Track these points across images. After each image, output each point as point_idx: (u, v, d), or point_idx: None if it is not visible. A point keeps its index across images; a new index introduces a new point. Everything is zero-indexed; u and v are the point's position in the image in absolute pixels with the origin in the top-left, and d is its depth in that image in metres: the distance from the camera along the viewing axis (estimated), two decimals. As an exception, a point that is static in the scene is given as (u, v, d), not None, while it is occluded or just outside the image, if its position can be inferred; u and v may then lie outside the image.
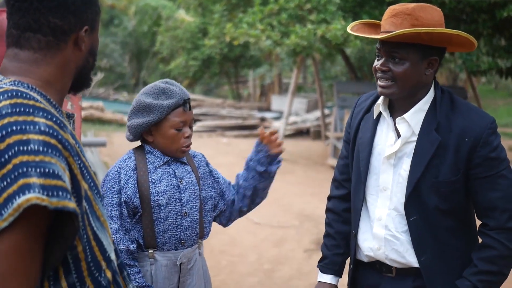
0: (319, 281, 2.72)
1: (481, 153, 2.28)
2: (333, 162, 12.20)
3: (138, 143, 2.85)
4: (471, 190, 2.34)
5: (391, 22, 2.33)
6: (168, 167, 2.77)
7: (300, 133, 17.61)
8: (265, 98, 24.81)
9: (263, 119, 18.93)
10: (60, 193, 1.37)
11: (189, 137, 2.76)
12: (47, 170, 1.37)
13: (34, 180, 1.35)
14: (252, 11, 11.22)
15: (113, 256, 1.63)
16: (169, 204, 2.71)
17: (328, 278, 2.70)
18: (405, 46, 2.31)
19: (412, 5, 2.32)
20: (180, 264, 2.73)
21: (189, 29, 22.11)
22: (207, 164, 2.95)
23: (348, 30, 2.50)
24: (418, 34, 2.25)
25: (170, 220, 2.71)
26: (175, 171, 2.77)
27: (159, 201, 2.69)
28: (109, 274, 1.60)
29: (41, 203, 1.34)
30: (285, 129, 13.55)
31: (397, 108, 2.44)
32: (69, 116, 1.69)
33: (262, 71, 23.18)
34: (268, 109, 22.09)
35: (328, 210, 2.80)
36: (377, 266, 2.51)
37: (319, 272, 2.73)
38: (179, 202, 2.73)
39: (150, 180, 2.71)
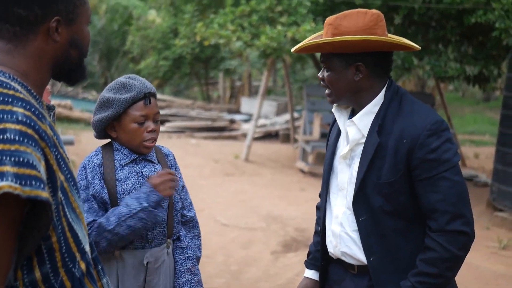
0: (304, 276, 2.79)
1: (418, 155, 2.28)
2: (301, 165, 12.24)
3: (108, 140, 2.82)
4: (416, 192, 2.35)
5: (323, 33, 2.43)
6: (135, 166, 2.74)
7: (269, 135, 17.65)
8: (235, 100, 24.81)
9: (232, 121, 18.94)
10: (34, 182, 1.38)
11: (152, 131, 2.72)
12: (21, 159, 1.38)
13: (8, 168, 1.35)
14: (223, 12, 11.21)
15: (87, 248, 1.64)
16: None
17: (310, 274, 2.77)
18: (329, 56, 2.40)
19: (339, 14, 2.39)
20: (147, 263, 2.70)
21: (160, 29, 22.03)
22: (176, 168, 2.92)
23: (292, 50, 2.54)
24: (320, 45, 2.35)
25: None
26: (143, 170, 2.74)
27: None
28: (83, 266, 1.61)
29: (14, 192, 1.34)
30: (254, 131, 13.54)
31: (354, 112, 2.50)
32: (49, 108, 1.70)
33: (233, 63, 23.13)
34: (237, 111, 22.09)
35: (317, 207, 2.85)
36: (343, 263, 2.55)
37: (305, 267, 2.80)
38: None
39: (117, 178, 2.68)
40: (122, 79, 2.73)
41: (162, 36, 22.15)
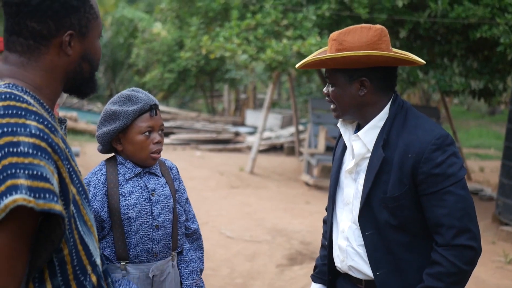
0: None
1: (423, 169, 2.29)
2: (306, 178, 12.23)
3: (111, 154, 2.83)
4: (422, 206, 2.35)
5: (328, 48, 2.45)
6: (139, 179, 2.75)
7: (273, 148, 17.66)
8: (240, 112, 24.86)
9: (237, 134, 18.96)
10: (47, 195, 1.39)
11: (158, 142, 2.74)
12: (35, 172, 1.39)
13: (22, 181, 1.36)
14: (229, 25, 11.24)
15: (98, 260, 1.65)
16: (140, 217, 2.69)
17: (316, 287, 2.77)
18: (333, 71, 2.42)
19: (343, 29, 2.41)
20: (153, 276, 2.71)
21: (165, 42, 22.11)
22: (180, 181, 2.93)
23: (297, 67, 2.55)
24: (324, 60, 2.36)
25: (141, 233, 2.69)
26: (147, 183, 2.75)
27: (129, 214, 2.68)
28: (94, 279, 1.62)
29: (28, 205, 1.35)
30: (259, 144, 13.56)
31: (360, 126, 2.51)
32: (61, 121, 1.71)
33: (239, 73, 23.15)
34: (242, 124, 22.12)
35: (323, 221, 2.85)
36: (350, 277, 2.56)
37: (311, 281, 2.82)
38: (150, 215, 2.71)
39: (121, 193, 2.69)
40: (126, 92, 2.76)
41: (167, 48, 22.23)
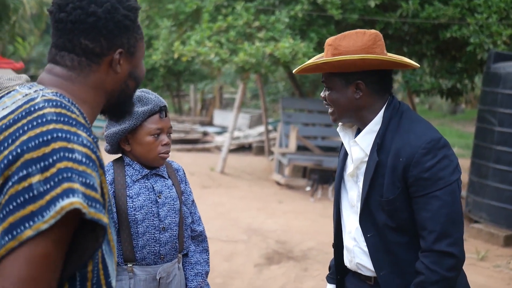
0: None
1: (413, 173, 2.32)
2: (278, 177, 12.29)
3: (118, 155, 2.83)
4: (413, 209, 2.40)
5: (324, 53, 2.50)
6: (146, 181, 2.75)
7: (242, 148, 17.69)
8: (206, 112, 24.82)
9: (205, 134, 18.95)
10: (97, 205, 1.38)
11: (166, 144, 2.74)
12: (88, 181, 1.38)
13: (78, 186, 1.35)
14: (200, 28, 11.22)
15: (114, 283, 1.60)
16: (147, 219, 2.69)
17: None
18: (329, 75, 2.47)
19: (339, 35, 2.46)
20: (159, 278, 2.71)
21: (132, 41, 21.90)
22: (186, 183, 2.94)
23: (299, 69, 2.59)
24: (320, 65, 2.42)
25: (148, 235, 2.69)
26: (154, 185, 2.75)
27: (136, 216, 2.67)
28: None
29: (83, 209, 1.34)
30: (230, 143, 13.58)
31: (359, 131, 2.55)
32: (93, 137, 1.70)
33: (204, 85, 23.12)
34: (210, 123, 22.09)
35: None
36: (359, 275, 2.60)
37: (327, 282, 2.86)
38: (157, 217, 2.71)
39: (128, 195, 2.69)
40: (136, 92, 2.74)
41: (134, 48, 22.02)
